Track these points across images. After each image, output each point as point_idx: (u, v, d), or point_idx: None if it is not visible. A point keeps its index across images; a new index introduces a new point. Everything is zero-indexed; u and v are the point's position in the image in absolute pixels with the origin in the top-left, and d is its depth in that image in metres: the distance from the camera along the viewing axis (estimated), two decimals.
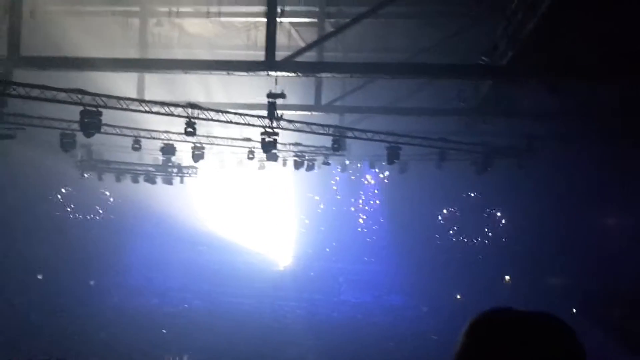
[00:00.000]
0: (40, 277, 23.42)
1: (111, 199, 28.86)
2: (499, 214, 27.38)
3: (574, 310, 18.91)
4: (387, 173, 26.72)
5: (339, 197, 30.24)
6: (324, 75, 13.17)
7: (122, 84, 14.36)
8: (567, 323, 1.48)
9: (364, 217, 30.49)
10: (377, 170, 24.54)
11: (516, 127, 15.80)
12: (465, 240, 28.04)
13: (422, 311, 23.80)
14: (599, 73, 10.00)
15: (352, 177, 28.36)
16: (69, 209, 28.85)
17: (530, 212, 22.51)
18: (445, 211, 28.52)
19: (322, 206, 30.39)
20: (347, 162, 21.56)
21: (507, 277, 24.50)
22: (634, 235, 18.32)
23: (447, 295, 23.21)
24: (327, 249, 29.42)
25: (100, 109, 13.04)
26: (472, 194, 26.84)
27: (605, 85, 11.44)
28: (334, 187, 29.83)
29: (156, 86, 15.09)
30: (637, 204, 18.05)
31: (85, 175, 21.41)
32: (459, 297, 23.65)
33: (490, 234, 27.58)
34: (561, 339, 1.45)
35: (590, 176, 18.32)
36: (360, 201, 30.56)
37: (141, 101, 13.65)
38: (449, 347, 1.62)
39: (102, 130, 13.82)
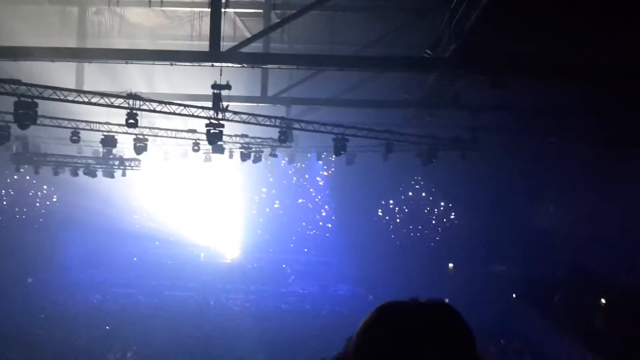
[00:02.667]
0: None
1: (48, 193, 27.78)
2: (443, 203, 28.07)
3: (514, 296, 19.65)
4: (334, 165, 26.84)
5: (288, 189, 30.20)
6: (269, 66, 13.06)
7: (61, 74, 13.79)
8: (457, 311, 1.53)
9: (311, 208, 30.62)
10: (323, 162, 24.66)
11: (460, 119, 16.18)
12: (411, 229, 28.63)
13: (368, 300, 24.12)
14: (539, 69, 10.37)
15: (299, 169, 28.41)
16: (3, 205, 27.58)
17: (474, 202, 23.19)
18: (391, 202, 28.99)
19: (264, 196, 30.28)
20: (294, 153, 21.54)
21: (451, 265, 25.20)
22: (574, 224, 19.17)
23: (392, 284, 23.59)
24: (276, 241, 29.38)
25: (36, 100, 12.53)
26: (418, 185, 27.42)
27: (546, 81, 11.88)
28: (281, 180, 29.74)
29: (96, 77, 14.58)
30: (576, 194, 18.86)
31: (21, 169, 20.54)
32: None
33: (435, 224, 28.25)
34: (450, 328, 1.50)
35: (532, 167, 19.04)
36: (309, 192, 30.63)
37: (80, 92, 13.18)
38: None
39: (38, 122, 13.30)
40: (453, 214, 27.67)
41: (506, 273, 21.63)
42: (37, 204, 28.24)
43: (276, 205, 30.53)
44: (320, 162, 23.90)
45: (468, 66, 10.88)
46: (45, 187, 27.09)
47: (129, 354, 17.98)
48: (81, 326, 19.21)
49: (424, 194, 27.84)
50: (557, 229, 19.35)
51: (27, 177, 22.07)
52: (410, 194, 28.12)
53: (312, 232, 30.27)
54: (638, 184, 16.34)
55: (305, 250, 29.54)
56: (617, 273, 17.41)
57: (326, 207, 30.34)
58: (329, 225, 30.04)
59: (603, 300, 17.62)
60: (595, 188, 18.09)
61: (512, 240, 21.25)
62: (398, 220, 29.09)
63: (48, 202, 28.08)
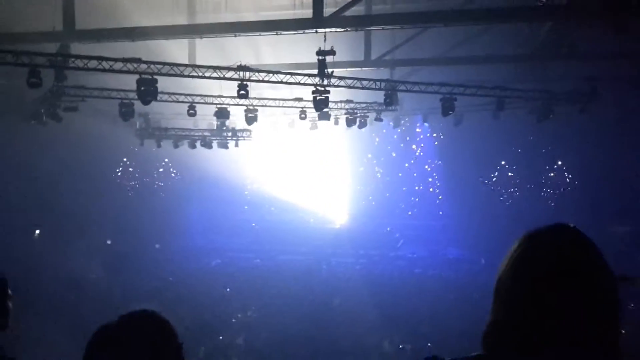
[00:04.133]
0: (109, 242, 24.53)
1: (170, 166, 29.67)
2: (560, 162, 26.48)
3: None
4: (441, 126, 26.09)
5: (394, 154, 29.97)
6: (373, 28, 12.90)
7: (174, 51, 14.58)
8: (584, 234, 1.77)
9: (419, 171, 30.17)
10: (430, 124, 24.11)
11: (578, 70, 15.04)
12: (526, 190, 27.35)
13: (480, 264, 23.59)
14: None
15: (406, 132, 28.02)
16: (132, 177, 29.80)
17: (594, 160, 21.62)
18: (503, 162, 27.82)
19: (373, 161, 30.22)
20: (400, 117, 21.26)
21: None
22: None
23: (505, 247, 22.81)
24: (384, 205, 29.40)
25: (155, 77, 13.36)
26: (532, 144, 25.98)
27: None
28: (386, 145, 29.56)
29: (207, 52, 15.23)
30: None
31: (145, 143, 22.10)
32: None
33: (551, 184, 26.79)
34: (578, 245, 1.74)
35: None
36: (416, 155, 30.18)
37: (194, 66, 13.86)
38: None
39: (158, 97, 14.18)
40: (571, 173, 26.04)
41: (631, 233, 20.15)
42: (162, 176, 30.26)
43: (382, 171, 30.46)
44: (426, 124, 23.43)
45: (587, 11, 10.08)
46: (166, 159, 28.94)
47: (248, 313, 19.05)
48: (204, 287, 20.56)
49: (538, 153, 26.39)
50: None
51: (151, 151, 23.69)
52: (523, 153, 26.77)
53: (420, 196, 29.88)
54: None
55: (411, 214, 29.29)
56: None
57: (434, 169, 29.75)
58: (438, 189, 29.50)
59: None
60: None
61: (636, 199, 19.68)
62: (511, 181, 27.90)
63: (172, 174, 30.00)
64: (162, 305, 18.71)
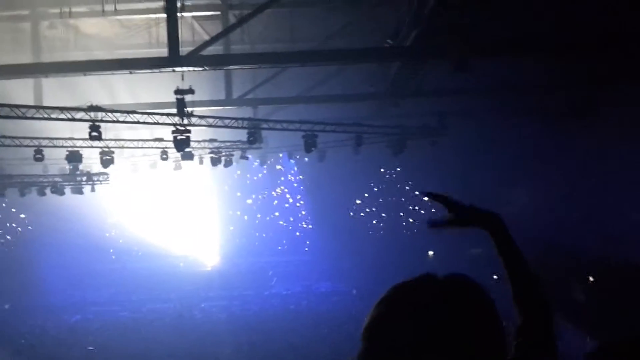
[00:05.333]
0: None
1: (18, 217, 27.15)
2: (417, 192, 28.12)
3: (495, 277, 19.80)
4: (306, 163, 26.63)
5: (263, 194, 30.01)
6: (231, 67, 12.92)
7: (19, 93, 13.45)
8: (476, 283, 1.65)
9: (287, 208, 30.46)
10: (295, 161, 24.54)
11: (428, 106, 16.20)
12: (388, 221, 28.64)
13: (352, 295, 24.11)
14: (500, 48, 10.46)
15: (272, 170, 28.23)
16: None
17: (447, 188, 23.27)
18: (366, 195, 28.95)
19: (239, 198, 30.01)
20: (266, 154, 21.39)
21: (431, 253, 25.27)
22: (545, 203, 19.37)
23: (373, 277, 23.61)
24: (255, 244, 29.23)
25: None
26: (391, 176, 27.41)
27: (514, 61, 11.98)
28: (254, 183, 29.54)
29: (55, 93, 14.24)
30: (549, 177, 18.99)
31: None
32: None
33: (411, 213, 28.28)
34: (470, 295, 1.62)
35: (498, 149, 19.15)
36: (280, 192, 30.47)
37: (38, 107, 12.86)
38: None
39: None
40: (428, 202, 27.69)
41: (483, 256, 21.79)
42: (8, 229, 27.57)
43: (254, 212, 30.33)
44: (292, 161, 23.80)
45: (429, 52, 10.89)
46: (14, 209, 26.46)
47: None
48: (62, 348, 18.77)
49: (398, 185, 27.88)
50: (528, 209, 19.51)
51: None
52: (383, 185, 28.15)
53: (290, 233, 30.11)
54: (610, 155, 16.61)
55: (283, 250, 29.40)
56: (594, 246, 17.69)
57: (302, 205, 30.21)
58: (308, 225, 29.92)
59: (591, 278, 17.93)
60: (560, 163, 18.31)
61: None
62: (374, 213, 29.07)
63: (18, 227, 27.46)
64: None
